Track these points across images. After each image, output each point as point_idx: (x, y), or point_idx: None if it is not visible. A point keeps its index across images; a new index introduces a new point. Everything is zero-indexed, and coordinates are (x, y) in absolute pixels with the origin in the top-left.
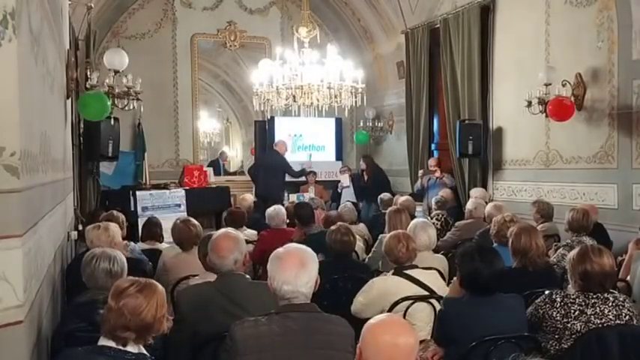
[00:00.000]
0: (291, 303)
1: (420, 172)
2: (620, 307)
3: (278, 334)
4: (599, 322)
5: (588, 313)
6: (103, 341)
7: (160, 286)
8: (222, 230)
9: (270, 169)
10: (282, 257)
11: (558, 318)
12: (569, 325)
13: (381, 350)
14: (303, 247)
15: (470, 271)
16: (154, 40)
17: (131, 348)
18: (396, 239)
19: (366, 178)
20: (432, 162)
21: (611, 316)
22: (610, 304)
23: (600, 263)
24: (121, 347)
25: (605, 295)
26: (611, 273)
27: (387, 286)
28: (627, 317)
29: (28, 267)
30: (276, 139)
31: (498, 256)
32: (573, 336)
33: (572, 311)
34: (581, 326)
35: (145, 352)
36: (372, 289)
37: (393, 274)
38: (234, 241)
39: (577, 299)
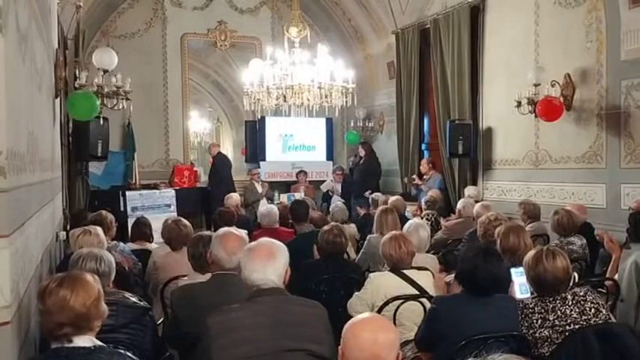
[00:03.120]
0: (260, 288)
1: (405, 179)
2: (582, 302)
3: (247, 316)
4: (564, 323)
5: (551, 319)
6: (54, 344)
7: (85, 275)
8: (227, 228)
9: (230, 172)
10: (253, 249)
11: (524, 330)
12: (536, 334)
13: (362, 348)
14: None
15: (469, 267)
16: (144, 40)
17: (82, 342)
18: (393, 241)
19: (362, 161)
20: (424, 162)
21: (575, 315)
22: (569, 302)
23: (553, 269)
24: (73, 345)
25: (563, 294)
26: (564, 278)
27: (380, 281)
28: (593, 310)
29: (15, 267)
30: (267, 139)
31: (501, 262)
32: (545, 343)
33: (535, 321)
34: (548, 332)
35: (100, 343)
36: (368, 284)
37: (390, 271)
38: (242, 241)
39: (536, 307)
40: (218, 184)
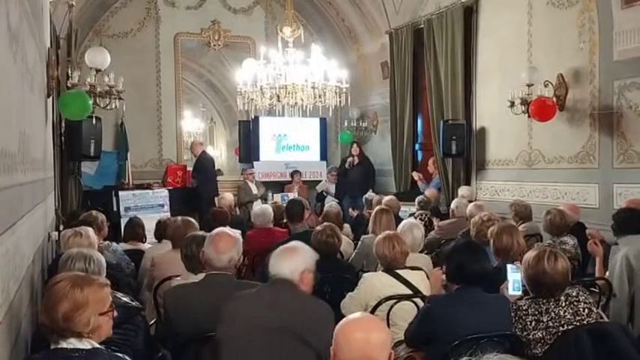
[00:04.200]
0: (273, 279)
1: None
2: (575, 303)
3: (249, 297)
4: (558, 324)
5: (545, 321)
6: (52, 345)
7: (91, 284)
8: (222, 228)
9: (214, 171)
10: (282, 248)
11: (518, 332)
12: (530, 336)
13: (353, 348)
14: (302, 244)
15: (457, 262)
16: (137, 39)
17: (81, 344)
18: (387, 241)
19: (356, 161)
20: (430, 163)
21: (568, 316)
22: (563, 304)
23: (552, 271)
24: (72, 347)
25: (556, 296)
26: (561, 281)
27: (374, 282)
28: (586, 311)
29: (5, 268)
30: (260, 139)
31: (486, 255)
32: (539, 344)
33: (528, 322)
34: (542, 334)
35: (98, 346)
36: (362, 283)
37: (383, 271)
38: (234, 241)
39: (529, 309)
40: (205, 183)
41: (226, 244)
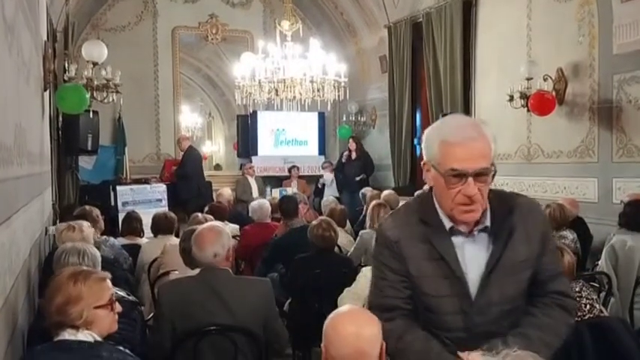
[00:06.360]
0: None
1: None
2: (578, 299)
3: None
4: None
5: None
6: (56, 338)
7: (87, 277)
8: (208, 223)
9: (201, 167)
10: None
11: None
12: None
13: (345, 344)
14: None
15: None
16: (135, 33)
17: (83, 337)
18: None
19: (354, 156)
20: None
21: None
22: None
23: None
24: (74, 339)
25: None
26: (567, 276)
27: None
28: (588, 306)
29: (1, 261)
30: (259, 133)
31: None
32: None
33: None
34: None
35: (100, 339)
36: (361, 277)
37: None
38: (217, 235)
39: None
40: (185, 180)
41: (208, 239)
